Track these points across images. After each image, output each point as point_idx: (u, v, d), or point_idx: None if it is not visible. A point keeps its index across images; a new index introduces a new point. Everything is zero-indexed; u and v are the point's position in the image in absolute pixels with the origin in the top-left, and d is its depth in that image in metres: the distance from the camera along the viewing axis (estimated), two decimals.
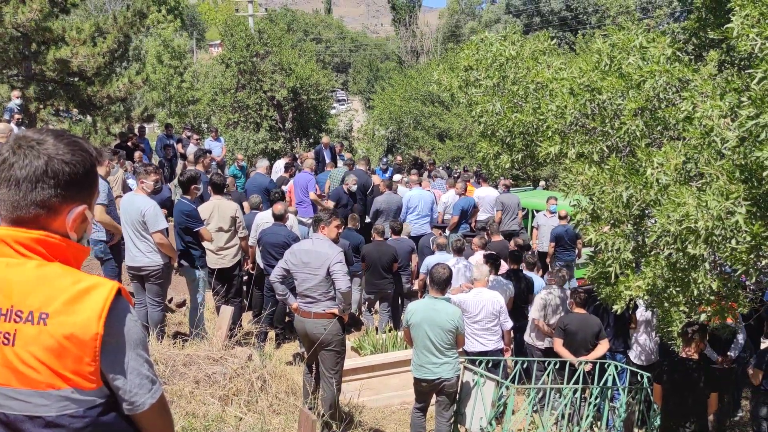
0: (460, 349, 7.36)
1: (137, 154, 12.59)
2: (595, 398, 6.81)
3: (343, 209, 10.82)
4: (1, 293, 1.47)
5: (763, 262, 4.14)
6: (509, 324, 7.24)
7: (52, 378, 1.46)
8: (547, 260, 11.38)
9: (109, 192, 6.68)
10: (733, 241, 4.13)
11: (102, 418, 1.52)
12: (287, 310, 7.96)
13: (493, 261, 7.99)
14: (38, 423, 1.46)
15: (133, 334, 1.55)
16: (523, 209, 13.21)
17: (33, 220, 1.52)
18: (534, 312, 7.72)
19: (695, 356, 5.46)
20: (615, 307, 4.98)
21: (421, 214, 11.20)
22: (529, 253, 9.99)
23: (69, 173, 1.53)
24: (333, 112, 29.67)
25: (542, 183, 21.36)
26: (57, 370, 1.45)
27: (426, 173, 16.54)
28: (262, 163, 11.22)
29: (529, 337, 7.97)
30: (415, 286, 9.74)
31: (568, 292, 7.66)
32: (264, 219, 8.32)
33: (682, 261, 4.66)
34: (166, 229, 6.47)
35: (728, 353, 7.04)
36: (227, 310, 6.14)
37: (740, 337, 7.00)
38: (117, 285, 1.55)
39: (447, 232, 11.42)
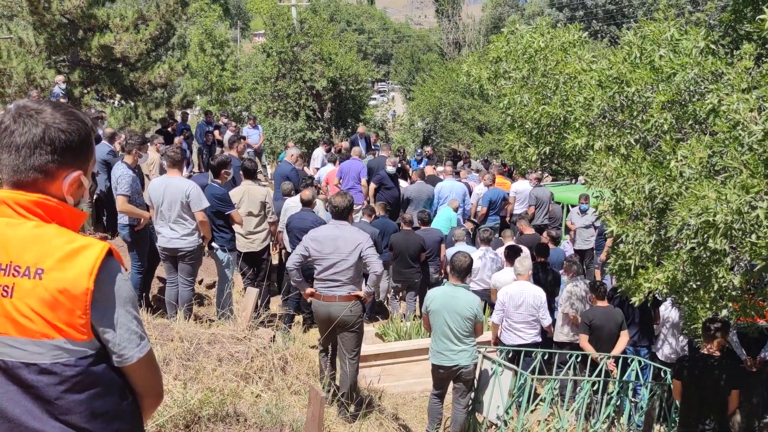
0: (494, 340, 7.42)
1: (177, 139, 12.87)
2: (617, 393, 6.78)
3: (386, 191, 11.05)
4: (2, 250, 1.60)
5: None
6: (548, 320, 7.26)
7: (46, 328, 1.58)
8: (603, 256, 11.27)
9: (134, 181, 6.73)
10: (753, 236, 4.08)
11: (92, 368, 1.63)
12: None
13: (512, 253, 8.00)
14: (33, 370, 1.58)
15: (122, 292, 1.67)
16: (558, 203, 13.12)
17: (32, 183, 1.65)
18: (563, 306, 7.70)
19: (717, 353, 5.39)
20: (633, 299, 4.95)
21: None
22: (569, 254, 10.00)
23: (65, 140, 1.66)
24: (373, 103, 29.77)
25: (581, 178, 21.06)
26: (51, 321, 1.58)
27: (462, 164, 16.56)
28: (290, 151, 11.41)
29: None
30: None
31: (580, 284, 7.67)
32: (292, 204, 8.46)
33: (704, 255, 4.61)
34: (230, 215, 6.63)
35: (760, 354, 6.91)
36: (253, 292, 6.27)
37: None
38: (108, 245, 1.66)
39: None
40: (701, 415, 5.43)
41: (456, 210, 10.88)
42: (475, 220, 11.75)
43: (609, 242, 10.67)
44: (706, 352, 5.45)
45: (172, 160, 6.66)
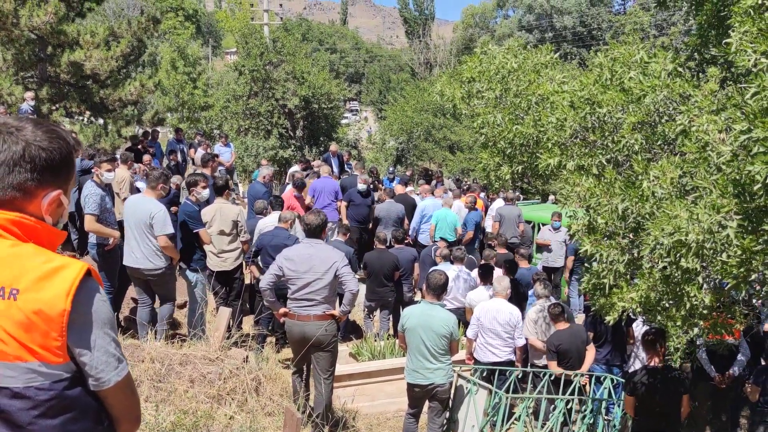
0: (468, 356, 7.42)
1: (146, 157, 12.71)
2: (590, 411, 6.81)
3: (354, 208, 11.18)
4: None
5: (753, 276, 4.16)
6: (522, 341, 7.30)
7: (20, 351, 1.52)
8: (565, 275, 11.41)
9: (102, 200, 6.63)
10: (724, 255, 4.15)
11: (67, 392, 1.58)
12: None
13: (486, 272, 8.04)
14: (5, 394, 1.53)
15: (101, 313, 1.62)
16: (529, 222, 13.22)
17: (10, 202, 1.60)
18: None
19: (660, 365, 5.56)
20: (608, 318, 4.99)
21: None
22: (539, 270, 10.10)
23: (45, 159, 1.61)
24: (344, 122, 29.86)
25: (551, 197, 21.34)
26: (25, 343, 1.52)
27: (435, 183, 16.63)
28: (263, 171, 11.34)
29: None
30: (417, 296, 9.77)
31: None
32: (266, 224, 8.39)
33: (676, 274, 4.68)
34: (174, 234, 6.52)
35: (728, 371, 7.02)
36: (225, 312, 6.19)
37: (742, 354, 6.97)
38: (86, 265, 1.61)
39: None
40: (658, 424, 5.56)
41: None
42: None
43: (570, 260, 10.83)
44: (650, 364, 5.62)
45: (150, 181, 6.63)
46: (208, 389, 4.96)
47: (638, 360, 7.60)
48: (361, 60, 70.46)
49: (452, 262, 8.87)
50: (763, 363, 7.19)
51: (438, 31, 58.64)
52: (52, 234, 1.67)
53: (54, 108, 13.68)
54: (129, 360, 4.91)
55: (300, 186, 11.03)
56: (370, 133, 29.54)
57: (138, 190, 9.78)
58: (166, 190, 6.70)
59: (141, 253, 6.39)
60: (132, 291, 7.83)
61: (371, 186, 12.17)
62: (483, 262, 8.84)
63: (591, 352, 7.17)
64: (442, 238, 10.78)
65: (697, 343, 6.83)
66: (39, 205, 1.63)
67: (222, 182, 7.90)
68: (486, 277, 8.08)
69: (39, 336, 1.53)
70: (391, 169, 18.28)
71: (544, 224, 12.65)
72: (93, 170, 6.87)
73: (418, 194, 13.33)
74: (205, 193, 7.27)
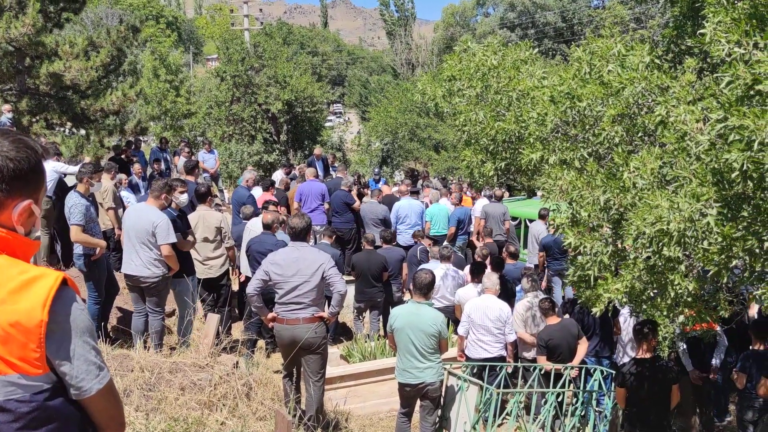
0: (459, 353, 7.45)
1: (137, 167, 12.63)
2: (581, 403, 6.86)
3: (337, 216, 11.18)
4: None
5: (734, 263, 4.21)
6: (512, 336, 7.33)
7: None
8: (539, 270, 11.43)
9: (88, 210, 6.63)
10: (705, 243, 4.20)
11: (49, 403, 1.57)
12: None
13: (477, 270, 8.07)
14: None
15: (79, 322, 1.61)
16: (515, 218, 13.25)
17: None
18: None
19: (648, 355, 5.61)
20: (594, 309, 5.03)
21: (411, 224, 11.32)
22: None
23: (13, 169, 1.60)
24: (329, 124, 29.85)
25: (540, 193, 21.36)
26: (3, 356, 1.52)
27: (422, 183, 16.68)
28: (246, 176, 11.32)
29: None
30: (406, 296, 9.79)
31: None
32: (252, 227, 8.38)
33: (659, 263, 4.73)
34: (176, 243, 6.51)
35: (712, 361, 7.07)
36: (214, 318, 6.18)
37: (721, 342, 7.04)
38: (62, 275, 1.60)
39: (445, 242, 11.52)
40: (643, 418, 5.62)
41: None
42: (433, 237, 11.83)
43: (541, 255, 10.86)
44: (639, 356, 5.67)
45: (153, 191, 6.61)
46: (199, 396, 4.95)
47: (626, 351, 7.65)
48: (343, 62, 70.46)
49: (440, 261, 8.90)
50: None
51: (419, 31, 58.73)
52: (25, 244, 1.66)
53: (34, 120, 13.55)
54: (118, 369, 4.90)
55: (271, 186, 11.06)
56: (359, 134, 29.50)
57: (122, 200, 9.74)
58: (168, 201, 6.69)
59: (140, 261, 6.39)
60: (119, 301, 7.80)
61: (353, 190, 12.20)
62: (478, 259, 8.87)
63: (583, 346, 7.22)
64: (434, 237, 10.89)
65: (676, 333, 6.90)
66: (10, 216, 1.62)
67: (204, 189, 7.87)
68: (477, 274, 8.11)
69: (17, 348, 1.52)
70: (376, 170, 18.31)
71: (531, 220, 12.67)
72: (83, 181, 6.83)
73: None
74: (184, 198, 7.25)
